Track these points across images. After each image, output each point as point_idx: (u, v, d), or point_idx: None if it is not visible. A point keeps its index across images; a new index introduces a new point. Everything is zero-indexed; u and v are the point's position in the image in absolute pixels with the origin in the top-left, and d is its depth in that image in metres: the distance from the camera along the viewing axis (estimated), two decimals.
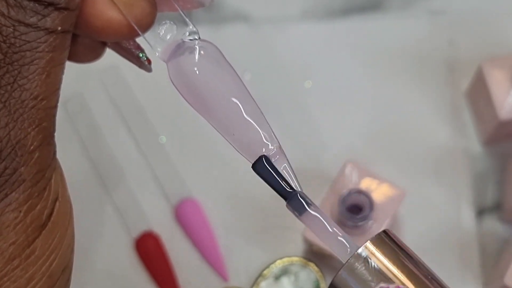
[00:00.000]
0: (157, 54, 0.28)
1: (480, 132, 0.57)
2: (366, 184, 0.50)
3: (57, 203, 0.26)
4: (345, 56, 0.60)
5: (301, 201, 0.29)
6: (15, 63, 0.23)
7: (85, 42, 0.29)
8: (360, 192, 0.48)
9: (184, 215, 0.55)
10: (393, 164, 0.56)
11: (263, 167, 0.29)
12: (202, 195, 0.56)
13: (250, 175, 0.56)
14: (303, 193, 0.29)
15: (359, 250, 0.27)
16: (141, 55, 0.30)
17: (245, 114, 0.28)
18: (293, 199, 0.29)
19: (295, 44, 0.61)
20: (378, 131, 0.58)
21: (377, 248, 0.27)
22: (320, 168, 0.56)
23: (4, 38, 0.23)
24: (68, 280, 0.28)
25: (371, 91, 0.59)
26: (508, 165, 0.55)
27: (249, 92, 0.28)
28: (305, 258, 0.52)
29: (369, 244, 0.27)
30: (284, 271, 0.52)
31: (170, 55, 0.28)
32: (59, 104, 0.65)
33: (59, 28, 0.24)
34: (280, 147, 0.28)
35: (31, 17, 0.23)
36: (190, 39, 0.28)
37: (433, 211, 0.55)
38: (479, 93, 0.55)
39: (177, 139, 0.58)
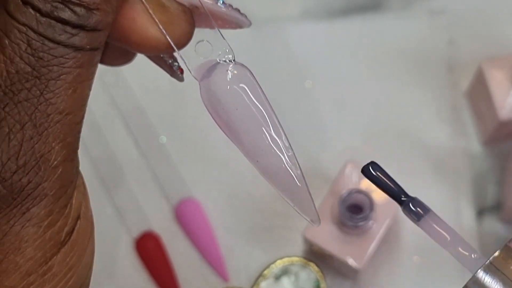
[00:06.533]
0: (191, 72, 0.27)
1: (480, 132, 0.57)
2: (366, 184, 0.50)
3: (78, 222, 0.26)
4: (345, 56, 0.60)
5: (418, 207, 0.29)
6: (43, 77, 0.23)
7: (118, 47, 0.28)
8: (360, 192, 0.48)
9: (184, 215, 0.55)
10: (393, 164, 0.56)
11: (374, 174, 0.29)
12: (202, 195, 0.56)
13: (250, 175, 0.57)
14: (419, 199, 0.29)
15: (488, 262, 0.26)
16: (173, 64, 0.30)
17: (271, 142, 0.28)
18: (410, 204, 0.29)
19: (295, 44, 0.61)
20: (378, 131, 0.58)
21: (506, 258, 0.26)
22: (320, 168, 0.56)
23: (33, 51, 0.23)
24: None
25: (371, 91, 0.59)
26: (508, 165, 0.55)
27: (276, 118, 0.28)
28: (305, 258, 0.52)
29: (497, 255, 0.26)
30: (284, 271, 0.52)
31: (203, 75, 0.27)
32: None
33: (88, 47, 0.24)
34: (302, 174, 0.28)
35: (60, 35, 0.23)
36: (224, 61, 0.27)
37: (434, 211, 0.55)
38: (479, 93, 0.55)
39: (177, 139, 0.58)
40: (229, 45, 0.27)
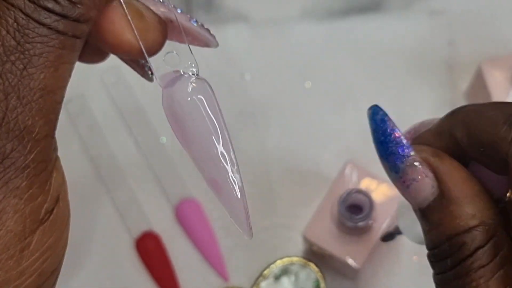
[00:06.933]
0: (156, 78, 0.29)
1: None
2: (366, 184, 0.50)
3: (58, 204, 0.26)
4: (345, 57, 0.60)
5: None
6: (26, 52, 0.25)
7: (92, 45, 0.30)
8: (360, 192, 0.48)
9: (184, 215, 0.55)
10: None
11: None
12: (202, 195, 0.56)
13: (250, 175, 0.57)
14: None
15: None
16: (145, 64, 0.31)
17: (219, 154, 0.29)
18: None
19: (295, 44, 0.61)
20: None
21: None
22: (320, 168, 0.56)
23: (19, 27, 0.25)
24: (54, 283, 0.28)
25: (371, 91, 0.59)
26: None
27: (227, 133, 0.29)
28: (305, 258, 0.52)
29: None
30: (284, 271, 0.52)
31: (167, 83, 0.29)
32: None
33: (70, 33, 0.25)
34: (243, 188, 0.30)
35: (45, 18, 0.25)
36: (188, 74, 0.29)
37: None
38: (478, 93, 0.55)
39: (177, 139, 0.58)
40: (195, 60, 0.29)
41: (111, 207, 0.56)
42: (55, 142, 0.27)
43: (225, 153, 0.29)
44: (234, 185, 0.30)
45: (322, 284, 0.51)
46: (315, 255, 0.52)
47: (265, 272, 0.52)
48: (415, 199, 0.28)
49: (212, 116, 0.29)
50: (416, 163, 0.26)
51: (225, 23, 0.62)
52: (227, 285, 0.54)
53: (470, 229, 0.25)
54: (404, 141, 0.28)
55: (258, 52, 0.61)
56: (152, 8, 0.28)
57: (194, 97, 0.29)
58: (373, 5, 0.63)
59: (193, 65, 0.29)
